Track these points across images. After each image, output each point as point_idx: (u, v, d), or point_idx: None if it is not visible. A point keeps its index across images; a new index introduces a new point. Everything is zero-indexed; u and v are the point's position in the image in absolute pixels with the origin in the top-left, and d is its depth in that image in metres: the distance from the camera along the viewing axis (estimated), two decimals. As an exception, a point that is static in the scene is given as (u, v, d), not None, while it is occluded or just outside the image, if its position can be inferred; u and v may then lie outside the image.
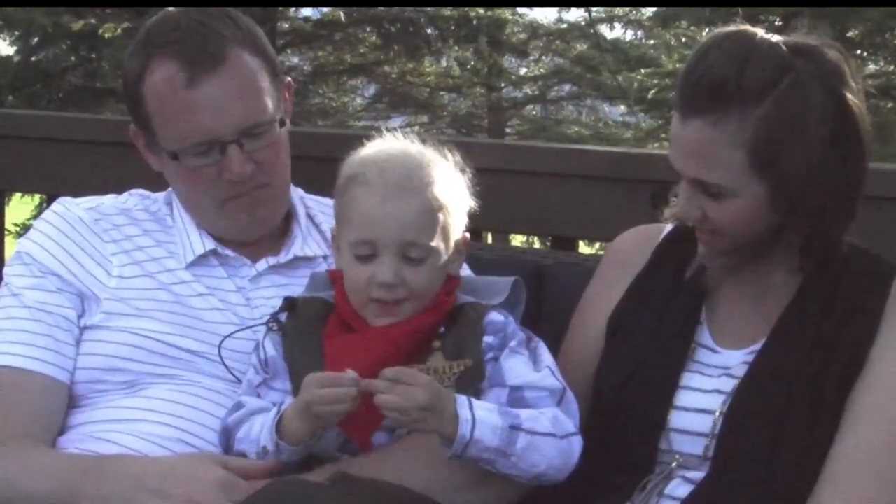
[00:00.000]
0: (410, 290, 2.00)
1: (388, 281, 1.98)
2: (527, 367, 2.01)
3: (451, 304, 2.06)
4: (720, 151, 1.93)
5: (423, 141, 2.10)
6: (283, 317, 2.10)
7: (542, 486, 2.00)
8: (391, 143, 2.08)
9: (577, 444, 1.97)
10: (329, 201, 2.30)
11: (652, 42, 13.01)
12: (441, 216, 2.02)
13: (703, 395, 2.03)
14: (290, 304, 2.10)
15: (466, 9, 12.40)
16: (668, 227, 2.22)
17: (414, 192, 2.00)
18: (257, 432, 1.99)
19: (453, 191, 2.05)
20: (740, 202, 1.96)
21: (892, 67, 9.91)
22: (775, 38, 1.96)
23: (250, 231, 2.27)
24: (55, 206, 2.33)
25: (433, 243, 2.01)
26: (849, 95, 1.94)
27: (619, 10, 13.15)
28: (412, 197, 1.99)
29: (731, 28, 1.98)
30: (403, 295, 2.00)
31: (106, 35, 10.03)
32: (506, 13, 13.28)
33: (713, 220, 1.99)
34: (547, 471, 1.94)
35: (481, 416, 1.89)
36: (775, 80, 1.91)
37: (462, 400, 1.90)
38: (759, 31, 1.96)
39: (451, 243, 2.05)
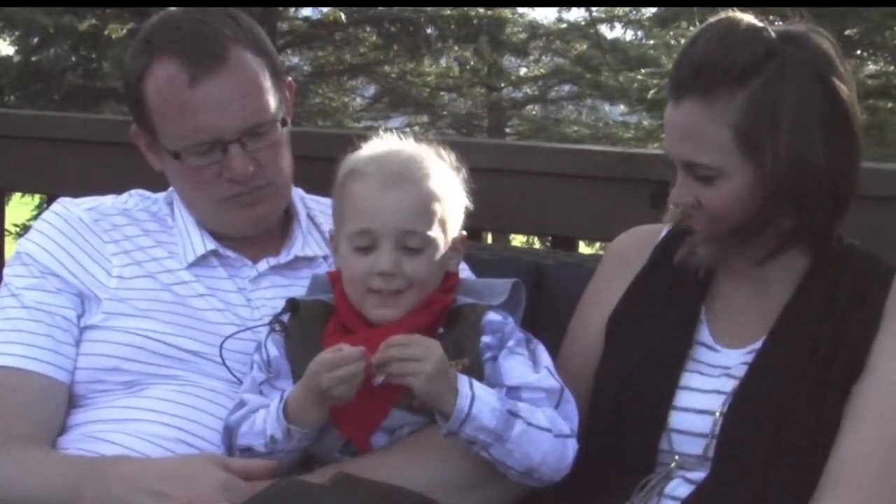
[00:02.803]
0: (409, 281, 2.00)
1: (387, 270, 1.99)
2: (525, 367, 2.01)
3: (449, 303, 2.06)
4: (708, 131, 1.95)
5: (419, 141, 2.11)
6: (285, 317, 2.10)
7: (537, 486, 2.00)
8: (386, 142, 2.11)
9: (571, 447, 1.97)
10: (330, 202, 2.30)
11: (652, 42, 13.02)
12: (438, 207, 2.03)
13: (702, 396, 2.04)
14: (292, 305, 2.10)
15: (466, 8, 12.40)
16: (668, 227, 2.22)
17: (411, 182, 2.02)
18: (262, 423, 1.99)
19: (450, 185, 2.07)
20: (730, 185, 1.97)
21: (891, 67, 9.91)
22: (763, 23, 1.98)
23: (249, 228, 2.27)
24: (55, 206, 2.33)
25: (431, 233, 2.02)
26: (837, 82, 1.96)
27: (620, 10, 13.16)
28: (410, 186, 2.01)
29: (721, 15, 2.01)
30: (402, 285, 2.00)
31: (113, 35, 10.03)
32: (506, 13, 13.28)
33: (705, 206, 2.00)
34: (541, 466, 1.94)
35: (480, 395, 1.91)
36: (761, 62, 1.94)
37: (463, 378, 1.92)
38: (748, 17, 1.99)
39: (449, 237, 2.06)
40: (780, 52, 1.95)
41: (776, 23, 2.00)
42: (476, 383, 1.92)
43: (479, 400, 1.90)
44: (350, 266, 2.04)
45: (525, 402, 1.97)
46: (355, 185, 2.04)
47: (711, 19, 2.01)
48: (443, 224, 2.04)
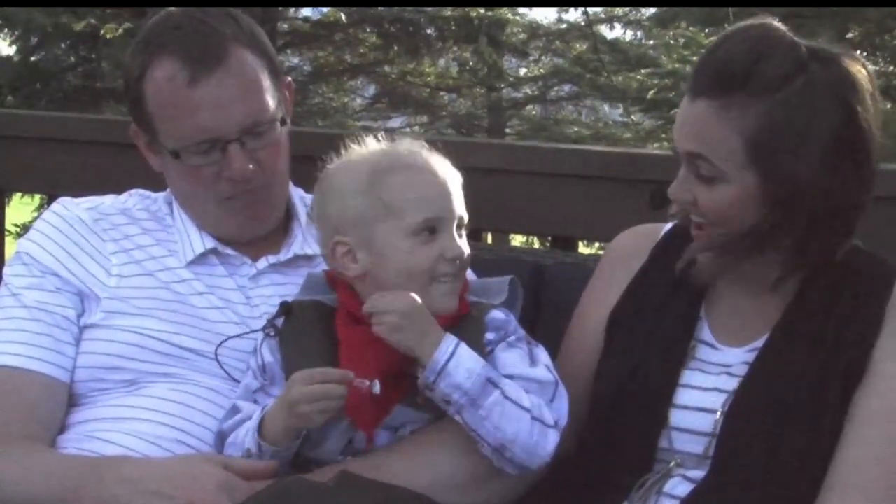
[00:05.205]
0: (464, 266, 2.04)
1: (463, 253, 2.01)
2: (521, 360, 2.02)
3: (467, 304, 2.06)
4: (720, 134, 1.94)
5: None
6: (279, 321, 2.08)
7: (536, 484, 2.00)
8: (385, 141, 2.09)
9: (552, 437, 1.96)
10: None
11: (651, 42, 13.01)
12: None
13: (703, 394, 2.03)
14: (285, 308, 2.09)
15: (466, 9, 12.39)
16: (668, 226, 2.22)
17: (450, 169, 2.04)
18: (243, 435, 2.00)
19: None
20: (730, 190, 1.96)
21: (892, 67, 9.91)
22: (798, 38, 1.97)
23: (248, 230, 2.28)
24: (55, 206, 2.33)
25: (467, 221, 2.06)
26: (860, 110, 1.94)
27: (619, 10, 13.16)
28: (453, 173, 2.04)
29: (757, 20, 2.00)
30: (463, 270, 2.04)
31: (108, 35, 10.02)
32: (506, 13, 13.27)
33: (702, 206, 2.00)
34: (513, 444, 1.93)
35: (462, 354, 1.93)
36: (786, 78, 1.92)
37: (451, 337, 1.94)
38: (783, 28, 1.98)
39: None
40: (807, 71, 1.93)
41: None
42: (464, 346, 1.94)
43: (457, 357, 1.92)
44: (415, 259, 2.00)
45: None
46: (402, 176, 2.01)
47: (743, 23, 2.00)
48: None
